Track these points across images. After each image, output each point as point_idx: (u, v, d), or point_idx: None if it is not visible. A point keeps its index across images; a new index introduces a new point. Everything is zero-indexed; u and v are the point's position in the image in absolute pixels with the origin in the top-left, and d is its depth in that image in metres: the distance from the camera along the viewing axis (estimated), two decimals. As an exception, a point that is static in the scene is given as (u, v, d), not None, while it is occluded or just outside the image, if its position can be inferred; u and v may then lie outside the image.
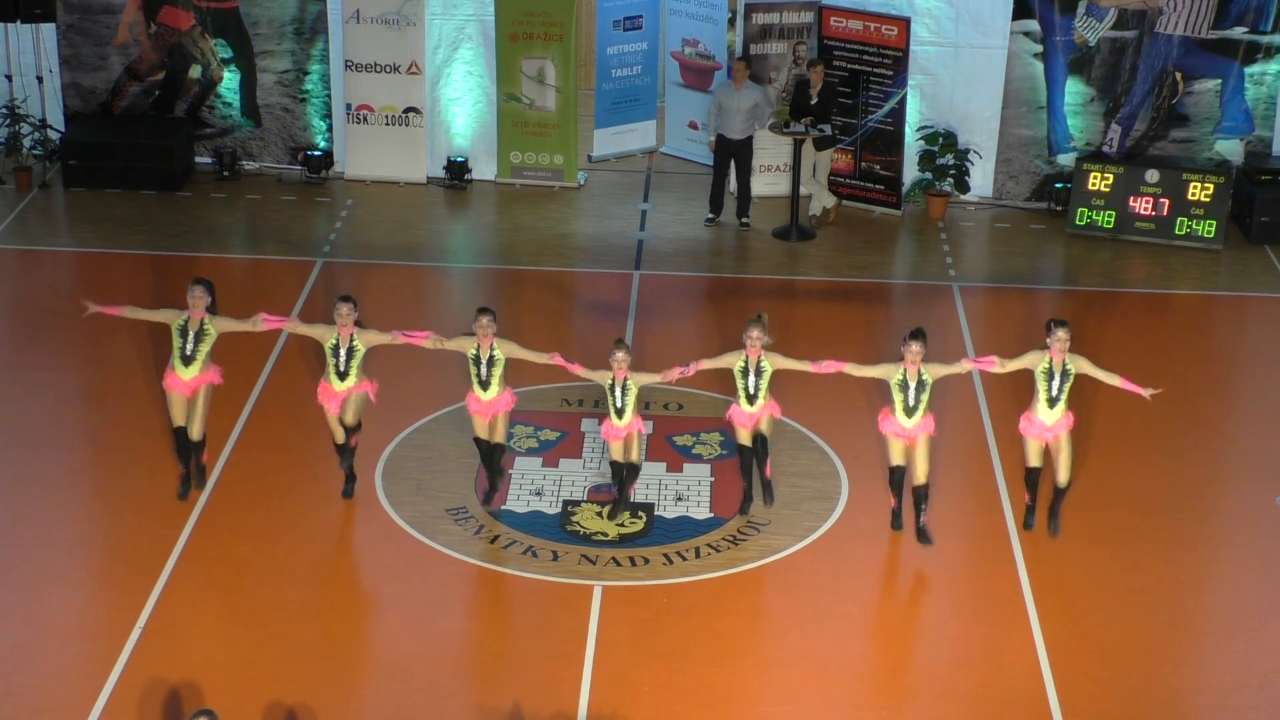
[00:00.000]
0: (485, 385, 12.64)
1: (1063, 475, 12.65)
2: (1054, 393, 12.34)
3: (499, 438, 12.94)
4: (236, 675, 11.22)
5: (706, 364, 12.73)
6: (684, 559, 12.70)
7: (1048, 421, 12.46)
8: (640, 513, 13.24)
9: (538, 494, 13.47)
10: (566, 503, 13.36)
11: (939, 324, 16.55)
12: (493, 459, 13.02)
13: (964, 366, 12.95)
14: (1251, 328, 17.08)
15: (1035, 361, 12.37)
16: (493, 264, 17.98)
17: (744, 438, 12.86)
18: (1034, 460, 12.72)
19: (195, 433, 12.94)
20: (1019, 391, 15.21)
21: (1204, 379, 15.61)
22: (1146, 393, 12.46)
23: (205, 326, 12.62)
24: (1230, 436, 14.71)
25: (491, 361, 12.56)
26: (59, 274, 17.49)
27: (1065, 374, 12.30)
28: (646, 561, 12.64)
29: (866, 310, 17.09)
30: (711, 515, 13.23)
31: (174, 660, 11.37)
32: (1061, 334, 12.27)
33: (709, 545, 12.86)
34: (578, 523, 13.10)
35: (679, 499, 13.44)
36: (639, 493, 13.46)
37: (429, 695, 11.22)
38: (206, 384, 12.84)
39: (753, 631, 12.00)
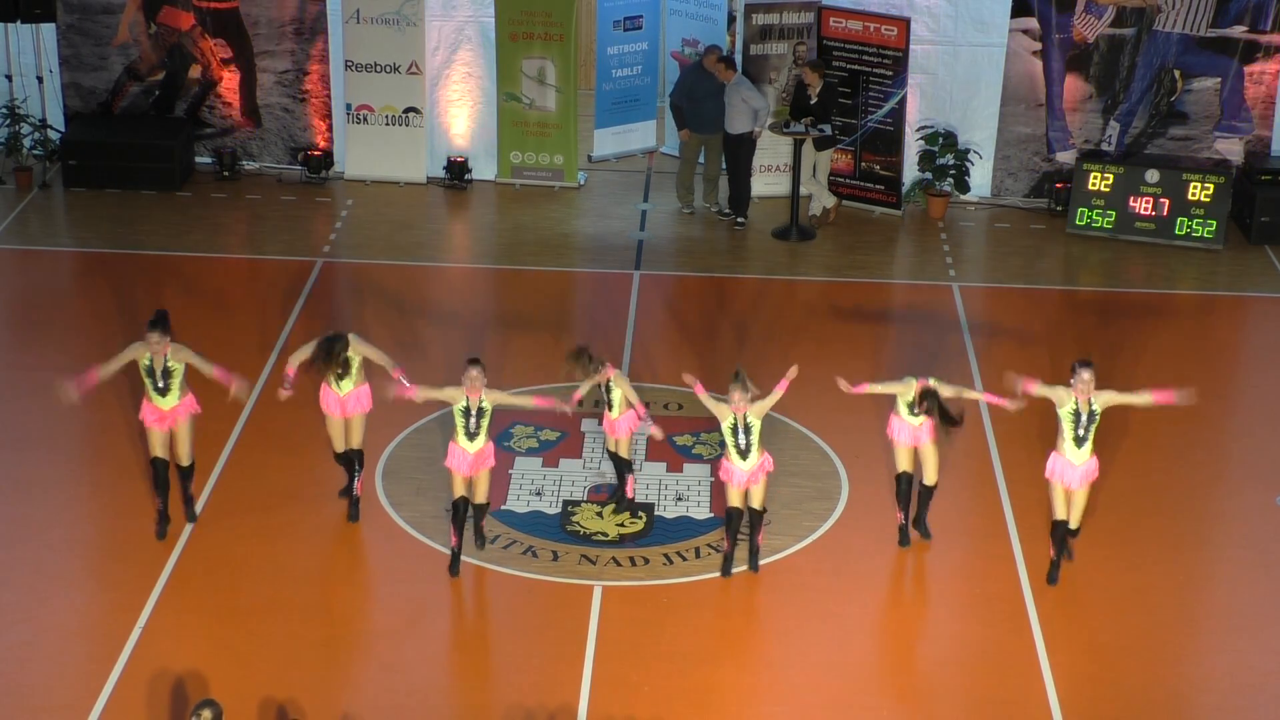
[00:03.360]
0: (473, 437, 12.20)
1: (1074, 519, 12.30)
2: (1080, 433, 12.00)
3: (481, 497, 12.41)
4: (236, 675, 11.22)
5: (702, 394, 12.27)
6: (684, 559, 12.70)
7: (1075, 462, 12.05)
8: (640, 513, 13.24)
9: (538, 494, 13.47)
10: (566, 503, 13.36)
11: (939, 324, 16.55)
12: (477, 519, 12.51)
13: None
14: (1251, 328, 17.08)
15: (1060, 400, 12.00)
16: (493, 264, 17.98)
17: (734, 498, 12.31)
18: (1061, 511, 12.23)
19: (185, 457, 12.69)
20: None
21: (1204, 379, 15.58)
22: (1181, 397, 12.24)
23: (169, 362, 12.34)
24: (1231, 437, 14.71)
25: (480, 413, 12.17)
26: (59, 274, 17.49)
27: (1092, 415, 11.98)
28: (646, 561, 12.64)
29: (866, 310, 17.08)
30: (711, 515, 13.23)
31: (174, 660, 11.38)
32: (1086, 375, 11.87)
33: (709, 545, 12.86)
34: (578, 523, 13.10)
35: (679, 499, 13.44)
36: (639, 493, 13.46)
37: (429, 695, 11.22)
38: (187, 414, 12.60)
39: (753, 631, 12.01)
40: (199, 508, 13.07)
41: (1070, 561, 12.55)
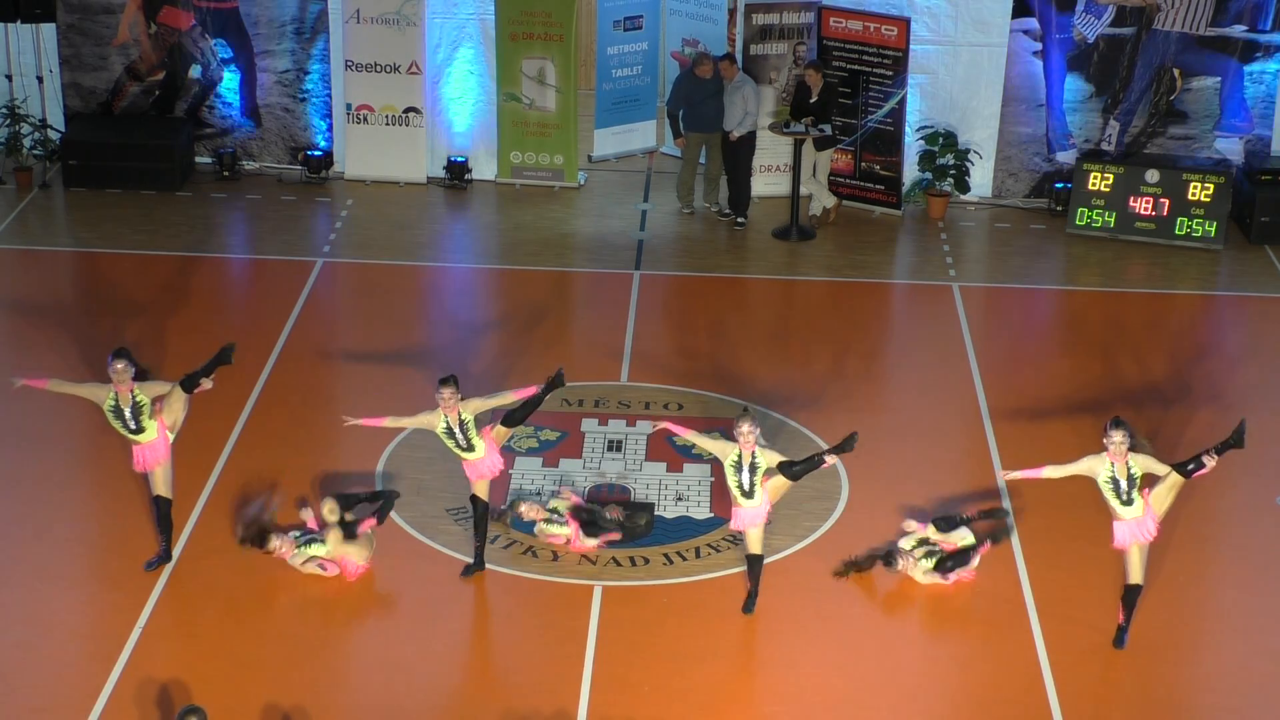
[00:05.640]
0: (470, 449, 12.09)
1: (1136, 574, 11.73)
2: (1125, 498, 11.46)
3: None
4: (236, 675, 11.23)
5: (690, 435, 11.99)
6: (684, 559, 12.70)
7: (1135, 516, 11.52)
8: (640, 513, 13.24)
9: (538, 494, 13.46)
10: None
11: (939, 324, 16.56)
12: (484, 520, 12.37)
13: (1011, 475, 11.90)
14: (1251, 328, 17.07)
15: (1095, 470, 11.48)
16: (493, 264, 17.98)
17: (755, 544, 11.93)
18: (1136, 576, 11.68)
19: (168, 490, 12.31)
20: (1018, 391, 15.22)
21: (1204, 379, 15.61)
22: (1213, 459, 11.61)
23: (137, 397, 11.96)
24: (1230, 436, 14.70)
25: (464, 427, 12.02)
26: (59, 274, 17.48)
27: (1132, 480, 11.42)
28: (646, 561, 12.64)
29: (866, 310, 17.09)
30: (711, 515, 13.22)
31: (174, 660, 11.38)
32: (1118, 437, 11.33)
33: (709, 545, 12.86)
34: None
35: (679, 499, 13.44)
36: (639, 493, 13.47)
37: (429, 695, 11.22)
38: (167, 456, 12.18)
39: (753, 631, 12.00)
40: (199, 509, 13.07)
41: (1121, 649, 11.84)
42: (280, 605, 12.02)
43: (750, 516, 11.84)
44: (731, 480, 11.73)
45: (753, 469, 11.66)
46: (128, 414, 11.96)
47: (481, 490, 12.24)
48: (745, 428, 11.58)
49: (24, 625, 11.74)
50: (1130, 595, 11.75)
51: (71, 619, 11.87)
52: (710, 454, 11.96)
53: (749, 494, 11.73)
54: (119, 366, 11.88)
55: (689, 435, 12.04)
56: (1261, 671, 11.61)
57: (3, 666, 11.32)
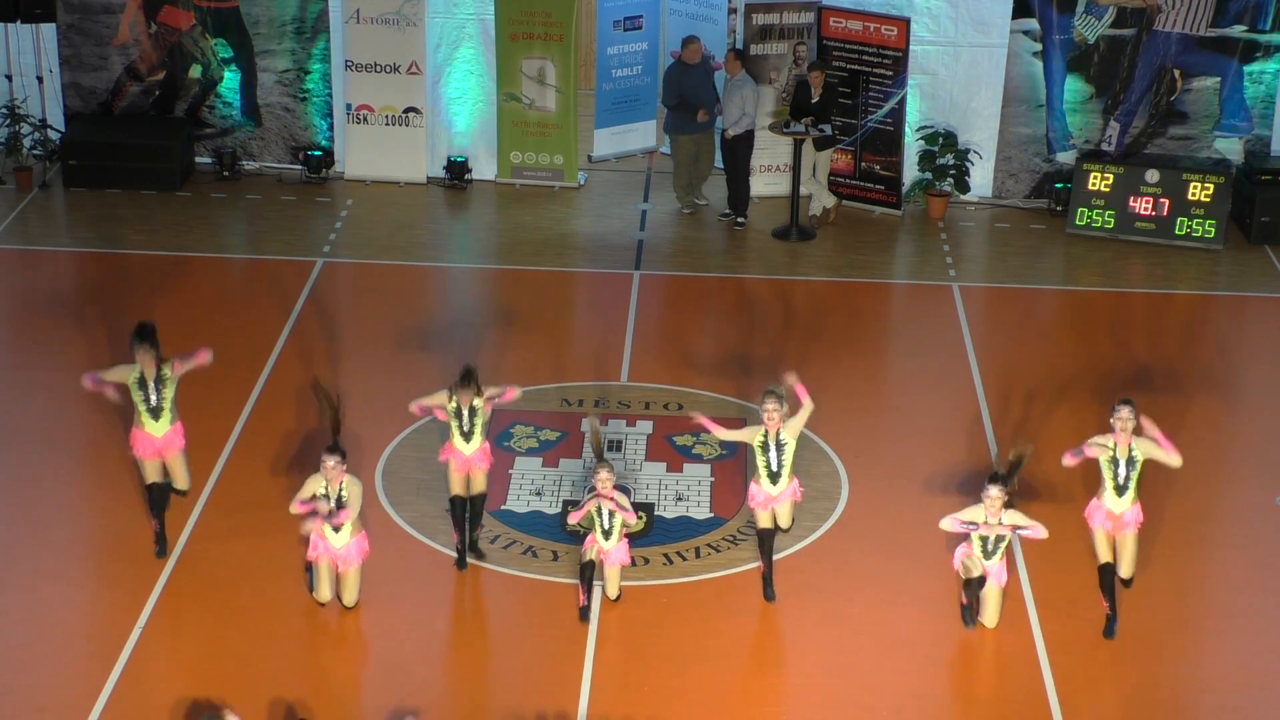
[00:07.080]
0: (469, 436, 12.19)
1: (1125, 566, 11.83)
2: (1121, 480, 11.57)
3: (480, 487, 12.38)
4: (236, 675, 11.23)
5: (718, 431, 11.97)
6: (684, 559, 12.70)
7: (1115, 510, 11.65)
8: (640, 513, 13.23)
9: (538, 494, 13.47)
10: (566, 503, 13.36)
11: (939, 324, 16.56)
12: (476, 508, 12.43)
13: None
14: (1251, 328, 17.08)
15: (1100, 450, 11.58)
16: (493, 264, 17.98)
17: (765, 520, 12.01)
18: (1105, 554, 11.76)
19: (183, 482, 12.47)
20: (1018, 391, 15.22)
21: (1204, 379, 15.61)
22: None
23: (164, 373, 12.09)
24: (1230, 436, 14.71)
25: (474, 412, 12.12)
26: (59, 274, 17.49)
27: (1132, 462, 11.54)
28: (646, 561, 12.64)
29: (866, 310, 17.09)
30: (711, 515, 13.23)
31: (174, 660, 11.39)
32: (1125, 414, 11.46)
33: (709, 545, 12.86)
34: (578, 523, 13.08)
35: (679, 499, 13.44)
36: (639, 493, 13.47)
37: (428, 695, 11.22)
38: (179, 446, 12.32)
39: (753, 631, 12.01)
40: (198, 509, 13.07)
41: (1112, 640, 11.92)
42: (280, 606, 12.01)
43: (770, 500, 11.92)
44: (760, 461, 11.79)
45: (779, 448, 11.70)
46: (152, 387, 12.07)
47: (458, 486, 12.28)
48: (770, 405, 11.63)
49: (24, 625, 11.74)
50: (1105, 577, 11.82)
51: (71, 619, 11.88)
52: (740, 442, 11.97)
53: (775, 478, 11.79)
54: (143, 350, 12.02)
55: (718, 432, 12.01)
56: (1262, 671, 11.61)
57: (3, 666, 11.32)
